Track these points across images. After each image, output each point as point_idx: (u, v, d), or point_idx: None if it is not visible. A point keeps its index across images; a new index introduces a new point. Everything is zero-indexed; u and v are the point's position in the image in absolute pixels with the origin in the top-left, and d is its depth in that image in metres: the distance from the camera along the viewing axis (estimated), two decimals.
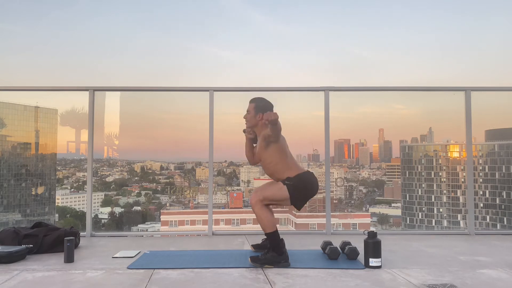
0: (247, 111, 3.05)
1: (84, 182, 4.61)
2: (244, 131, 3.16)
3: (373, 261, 2.69)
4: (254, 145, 3.11)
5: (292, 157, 2.97)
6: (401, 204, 20.51)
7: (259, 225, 2.78)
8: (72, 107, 5.26)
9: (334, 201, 14.71)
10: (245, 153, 3.21)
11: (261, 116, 2.94)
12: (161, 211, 14.41)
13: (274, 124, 2.70)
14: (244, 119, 3.07)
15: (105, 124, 4.42)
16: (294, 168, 2.89)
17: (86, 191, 4.04)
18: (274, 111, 2.87)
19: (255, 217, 2.79)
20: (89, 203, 4.03)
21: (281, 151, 2.91)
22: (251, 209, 2.80)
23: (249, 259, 2.76)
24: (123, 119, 5.23)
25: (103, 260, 2.93)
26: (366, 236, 2.73)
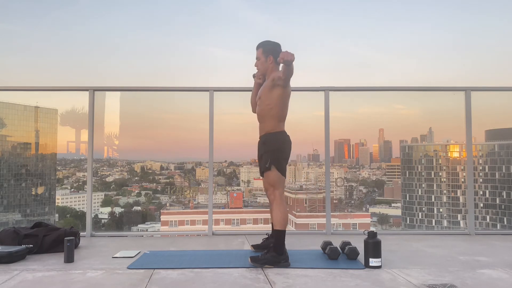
0: (256, 58, 3.01)
1: (84, 182, 4.61)
2: (253, 75, 3.13)
3: (373, 261, 2.69)
4: None
5: (286, 112, 2.95)
6: (401, 204, 20.50)
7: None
8: (72, 107, 5.27)
9: (334, 201, 14.71)
10: (251, 99, 3.21)
11: (272, 58, 2.93)
12: (161, 211, 14.41)
13: (289, 64, 2.64)
14: (255, 67, 3.05)
15: (105, 124, 4.43)
16: (280, 124, 2.91)
17: (86, 191, 4.04)
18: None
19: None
20: (89, 203, 4.03)
21: (283, 99, 2.89)
22: (269, 206, 2.79)
23: (249, 259, 2.76)
24: (123, 119, 5.24)
25: (103, 260, 2.93)
26: (366, 236, 2.73)
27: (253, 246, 3.22)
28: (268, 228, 3.28)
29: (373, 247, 2.70)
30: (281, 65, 2.75)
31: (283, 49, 2.77)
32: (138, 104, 5.12)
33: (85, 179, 4.16)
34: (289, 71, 2.72)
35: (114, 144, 5.38)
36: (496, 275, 2.57)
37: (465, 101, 4.16)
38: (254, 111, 3.18)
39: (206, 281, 2.42)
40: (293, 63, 2.64)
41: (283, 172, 2.89)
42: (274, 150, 2.87)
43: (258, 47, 3.01)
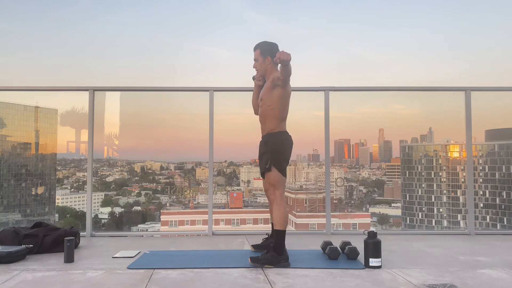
0: (254, 59, 3.02)
1: (84, 182, 4.61)
2: (253, 77, 3.14)
3: (373, 261, 2.69)
4: None
5: (287, 112, 2.96)
6: (401, 204, 20.51)
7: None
8: (72, 107, 5.27)
9: (334, 201, 14.71)
10: (252, 101, 3.21)
11: (270, 59, 2.94)
12: (161, 211, 14.41)
13: (286, 65, 2.64)
14: (254, 68, 3.05)
15: (105, 124, 4.42)
16: (282, 124, 2.92)
17: (86, 191, 4.04)
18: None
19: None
20: (89, 203, 4.03)
21: (283, 99, 2.90)
22: (269, 206, 2.79)
23: (249, 259, 2.76)
24: (123, 119, 5.23)
25: (103, 260, 2.93)
26: (366, 236, 2.73)
27: (253, 246, 3.22)
28: (268, 228, 3.28)
29: (373, 247, 2.70)
30: (279, 65, 2.75)
31: (281, 49, 2.78)
32: (138, 104, 5.11)
33: (85, 179, 4.16)
34: (286, 71, 2.72)
35: (114, 144, 5.37)
36: (496, 275, 2.57)
37: (465, 101, 4.16)
38: (256, 113, 3.18)
39: (206, 281, 2.42)
40: (291, 62, 2.64)
41: (283, 172, 2.89)
42: (274, 151, 2.88)
43: (255, 49, 3.02)
